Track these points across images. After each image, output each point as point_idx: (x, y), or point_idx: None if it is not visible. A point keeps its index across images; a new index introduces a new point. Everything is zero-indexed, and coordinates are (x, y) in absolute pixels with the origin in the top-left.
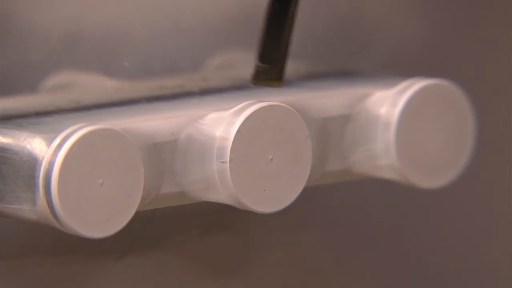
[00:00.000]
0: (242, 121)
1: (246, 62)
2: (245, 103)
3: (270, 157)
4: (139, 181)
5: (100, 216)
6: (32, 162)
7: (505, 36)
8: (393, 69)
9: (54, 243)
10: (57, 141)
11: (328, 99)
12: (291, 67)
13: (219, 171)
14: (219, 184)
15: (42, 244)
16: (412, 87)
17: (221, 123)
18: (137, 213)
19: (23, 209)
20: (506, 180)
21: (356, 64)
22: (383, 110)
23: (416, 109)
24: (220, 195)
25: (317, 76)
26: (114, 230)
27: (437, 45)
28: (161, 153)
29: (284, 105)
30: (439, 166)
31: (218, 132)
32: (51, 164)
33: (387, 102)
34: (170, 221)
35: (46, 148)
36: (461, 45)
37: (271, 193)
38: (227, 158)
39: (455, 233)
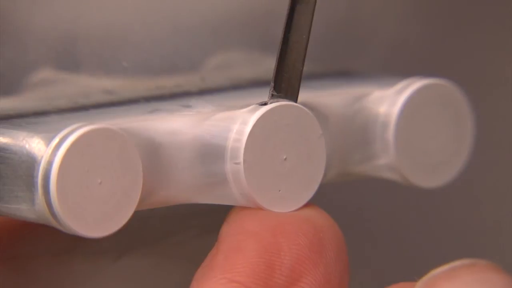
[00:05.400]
0: (255, 121)
1: (245, 62)
2: (256, 103)
3: (284, 157)
4: (137, 180)
5: (98, 216)
6: (30, 162)
7: (504, 35)
8: (392, 69)
9: (52, 242)
10: (56, 140)
11: (327, 99)
12: None
13: (233, 172)
14: (233, 185)
15: (41, 244)
16: (411, 86)
17: (233, 123)
18: (136, 213)
19: (21, 208)
20: (506, 179)
21: (354, 64)
22: (381, 110)
23: (415, 109)
24: (231, 197)
25: (316, 76)
26: (112, 230)
27: (436, 45)
28: (160, 153)
29: (296, 104)
30: (438, 166)
31: (231, 133)
32: (49, 163)
33: (386, 102)
34: (168, 221)
35: (45, 148)
36: (460, 45)
37: (286, 193)
38: (241, 159)
39: (454, 232)
